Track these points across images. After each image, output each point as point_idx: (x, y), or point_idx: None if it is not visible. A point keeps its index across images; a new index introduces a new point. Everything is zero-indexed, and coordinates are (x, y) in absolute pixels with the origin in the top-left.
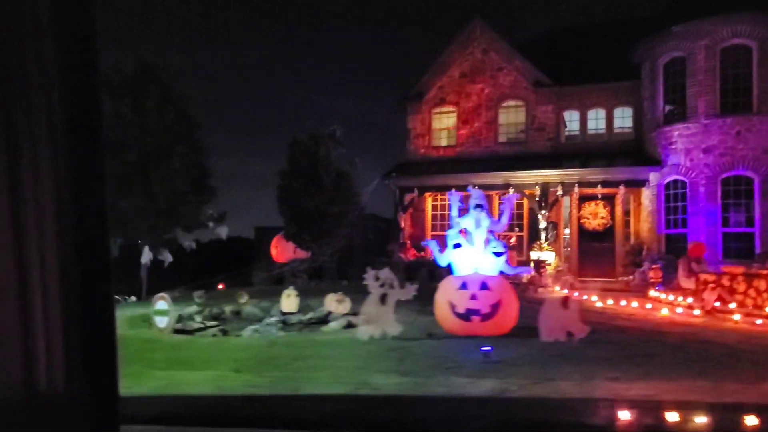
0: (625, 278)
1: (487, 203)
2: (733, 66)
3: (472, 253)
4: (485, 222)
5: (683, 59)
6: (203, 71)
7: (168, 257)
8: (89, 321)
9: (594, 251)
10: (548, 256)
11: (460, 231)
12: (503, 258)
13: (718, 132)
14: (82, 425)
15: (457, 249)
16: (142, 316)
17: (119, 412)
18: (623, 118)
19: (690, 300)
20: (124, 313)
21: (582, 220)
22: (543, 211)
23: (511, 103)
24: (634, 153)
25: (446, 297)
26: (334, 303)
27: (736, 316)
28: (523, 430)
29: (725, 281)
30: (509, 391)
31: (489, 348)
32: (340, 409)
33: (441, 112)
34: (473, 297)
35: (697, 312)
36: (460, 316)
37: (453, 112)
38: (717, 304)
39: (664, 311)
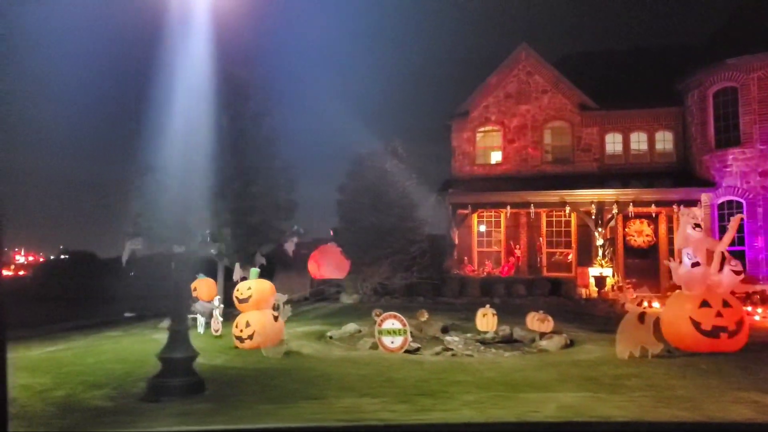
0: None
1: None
2: None
3: (708, 270)
4: (705, 240)
5: (735, 89)
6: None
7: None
8: None
9: (638, 267)
10: (607, 271)
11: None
12: (741, 276)
13: None
14: None
15: (695, 267)
16: (315, 333)
17: None
18: (664, 141)
19: None
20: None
21: (627, 238)
22: (600, 229)
23: (556, 124)
24: (677, 174)
25: (686, 315)
26: (537, 322)
27: None
28: None
29: None
30: None
31: None
32: None
33: (486, 131)
34: (718, 314)
35: None
36: (706, 333)
37: (498, 131)
38: None
39: None
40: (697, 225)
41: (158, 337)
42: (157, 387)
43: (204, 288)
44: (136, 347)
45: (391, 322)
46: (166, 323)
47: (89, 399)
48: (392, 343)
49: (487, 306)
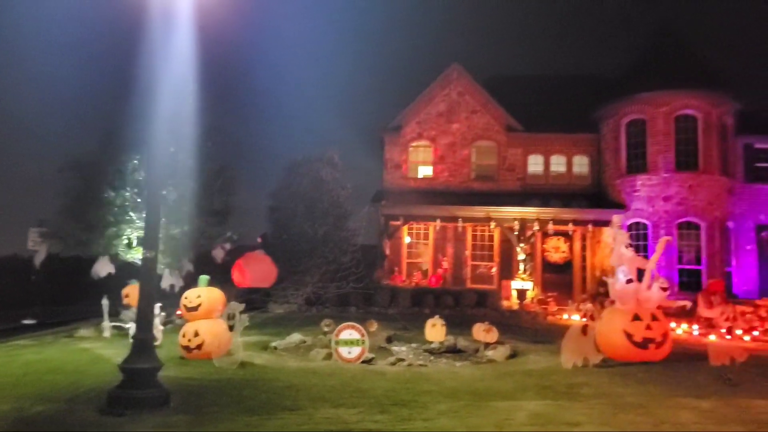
0: (585, 306)
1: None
2: (684, 131)
3: (639, 287)
4: (635, 259)
5: (644, 121)
6: None
7: (180, 282)
8: None
9: (555, 281)
10: (528, 285)
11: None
12: (668, 292)
13: (676, 185)
14: None
15: (629, 283)
16: (257, 343)
17: None
18: (581, 165)
19: (696, 327)
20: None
21: (545, 254)
22: (521, 244)
23: (484, 143)
24: (592, 196)
25: (620, 327)
26: (482, 332)
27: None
28: None
29: (763, 312)
30: None
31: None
32: None
33: (418, 146)
34: (648, 327)
35: (712, 337)
36: (637, 344)
37: (429, 146)
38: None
39: (712, 337)
40: (630, 245)
41: (85, 346)
42: (120, 399)
43: (136, 295)
44: (66, 357)
45: (350, 332)
46: (85, 331)
47: (44, 413)
48: (349, 353)
49: (437, 317)
